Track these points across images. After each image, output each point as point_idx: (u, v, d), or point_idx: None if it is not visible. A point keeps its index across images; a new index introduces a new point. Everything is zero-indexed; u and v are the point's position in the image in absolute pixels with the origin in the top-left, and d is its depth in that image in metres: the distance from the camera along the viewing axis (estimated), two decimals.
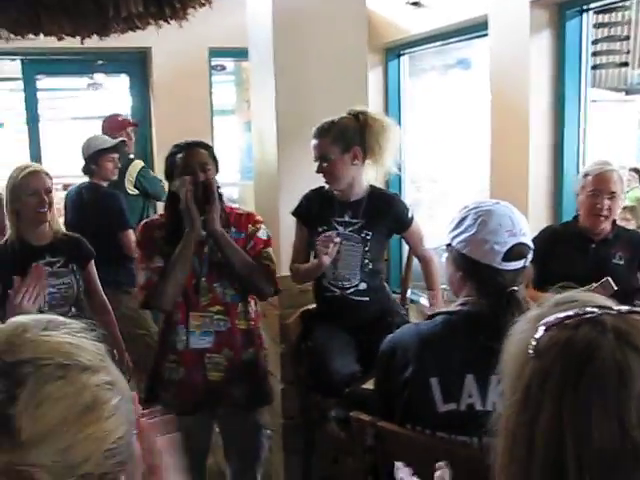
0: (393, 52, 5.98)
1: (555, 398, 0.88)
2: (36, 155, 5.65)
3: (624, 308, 0.93)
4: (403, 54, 5.98)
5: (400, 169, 5.94)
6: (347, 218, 3.15)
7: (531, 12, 4.04)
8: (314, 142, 3.08)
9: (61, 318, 0.83)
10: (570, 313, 0.92)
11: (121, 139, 4.59)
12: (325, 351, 3.09)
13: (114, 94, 6.86)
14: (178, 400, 2.90)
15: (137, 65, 5.76)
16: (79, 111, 8.33)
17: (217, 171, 2.90)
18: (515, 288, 1.81)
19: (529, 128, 4.12)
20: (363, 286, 3.14)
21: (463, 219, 1.90)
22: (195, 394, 2.89)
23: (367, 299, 3.16)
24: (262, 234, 2.97)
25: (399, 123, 5.94)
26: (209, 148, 2.92)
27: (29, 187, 3.06)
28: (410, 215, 3.24)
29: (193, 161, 2.81)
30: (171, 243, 2.82)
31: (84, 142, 4.45)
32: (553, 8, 4.05)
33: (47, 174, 3.17)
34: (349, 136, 3.04)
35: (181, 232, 2.79)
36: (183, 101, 5.63)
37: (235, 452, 3.13)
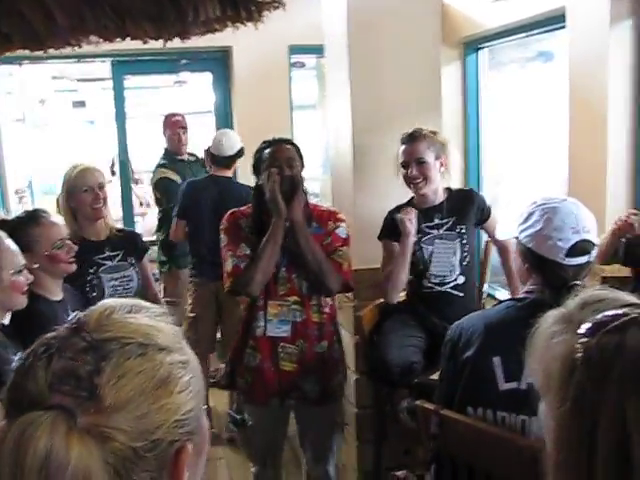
0: (471, 46, 5.95)
1: (616, 404, 0.87)
2: (124, 151, 5.90)
3: None
4: (482, 48, 5.95)
5: (479, 163, 6.02)
6: (437, 221, 3.31)
7: (611, 2, 3.97)
8: (406, 147, 3.25)
9: (144, 302, 0.94)
10: (607, 317, 0.92)
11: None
12: (385, 342, 3.19)
13: (199, 90, 7.08)
14: (253, 389, 3.02)
15: (219, 63, 5.94)
16: (165, 107, 8.63)
17: (302, 167, 3.03)
18: (577, 282, 1.85)
19: (607, 121, 4.04)
20: (462, 279, 3.30)
21: (530, 214, 1.96)
22: (268, 384, 2.99)
23: (462, 295, 3.28)
24: (341, 232, 3.06)
25: (477, 117, 5.99)
26: (295, 145, 3.06)
27: (83, 184, 3.20)
28: (489, 204, 3.44)
29: (280, 156, 2.94)
30: (256, 233, 2.94)
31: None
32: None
33: (98, 170, 3.32)
34: (438, 146, 3.30)
35: (265, 223, 2.92)
36: (263, 97, 5.77)
37: (309, 443, 3.23)
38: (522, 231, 1.98)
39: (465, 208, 3.40)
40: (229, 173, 4.95)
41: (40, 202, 6.85)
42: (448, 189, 3.47)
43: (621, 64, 4.01)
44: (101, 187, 3.23)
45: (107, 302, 0.92)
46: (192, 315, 4.89)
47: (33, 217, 2.63)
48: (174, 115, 5.48)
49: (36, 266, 2.39)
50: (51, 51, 3.51)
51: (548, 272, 1.92)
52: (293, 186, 2.90)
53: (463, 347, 1.92)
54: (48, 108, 9.04)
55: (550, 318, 1.02)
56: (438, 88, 3.86)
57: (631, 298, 0.98)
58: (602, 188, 4.08)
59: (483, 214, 3.47)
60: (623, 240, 3.56)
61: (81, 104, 10.19)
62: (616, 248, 3.51)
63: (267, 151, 2.98)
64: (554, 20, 4.56)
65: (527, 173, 6.14)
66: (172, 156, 5.36)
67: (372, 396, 3.47)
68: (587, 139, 4.25)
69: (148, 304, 0.94)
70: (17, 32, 3.20)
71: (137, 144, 7.53)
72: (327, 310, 3.07)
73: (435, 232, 3.34)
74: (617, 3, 3.96)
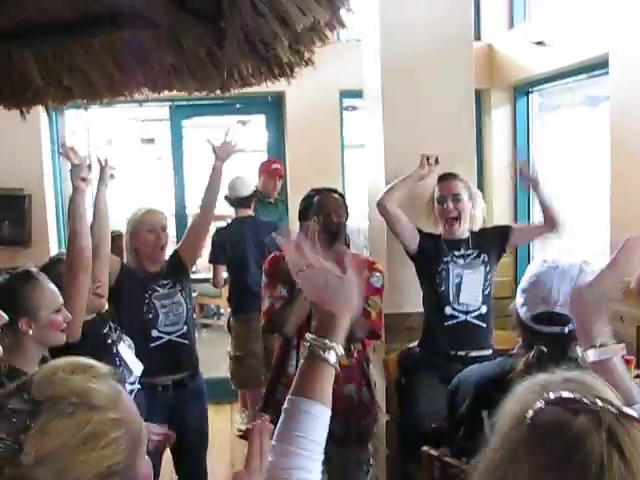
0: (521, 90, 6.03)
1: (534, 471, 0.93)
2: (181, 198, 6.15)
3: (625, 409, 0.96)
4: (532, 92, 6.02)
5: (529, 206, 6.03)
6: (463, 251, 3.41)
7: None
8: (444, 183, 3.48)
9: (91, 362, 1.06)
10: (573, 396, 0.97)
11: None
12: (413, 391, 3.25)
13: (258, 130, 7.31)
14: None
15: (273, 107, 6.14)
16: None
17: (347, 216, 3.16)
18: (543, 348, 1.89)
19: None
20: (484, 309, 3.36)
21: (527, 273, 2.03)
22: None
23: (485, 325, 3.36)
24: (375, 281, 3.15)
25: (528, 158, 6.01)
26: (341, 194, 3.19)
27: (147, 223, 3.38)
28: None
29: (327, 204, 3.08)
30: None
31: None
32: None
33: (162, 213, 3.51)
34: (470, 190, 3.56)
35: None
36: (315, 140, 5.94)
37: None
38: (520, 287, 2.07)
39: (487, 240, 3.58)
40: (251, 212, 5.21)
41: None
42: (471, 230, 3.61)
43: None
44: (164, 229, 3.41)
45: (55, 362, 1.05)
46: (238, 354, 5.04)
47: (32, 278, 2.60)
48: (272, 162, 5.83)
49: (30, 333, 2.25)
50: None
51: (524, 333, 2.01)
52: (336, 234, 3.04)
53: (460, 399, 2.00)
54: (116, 148, 9.45)
55: (533, 381, 1.07)
56: (472, 138, 3.95)
57: (610, 394, 1.01)
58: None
59: (502, 232, 3.67)
60: None
61: (150, 141, 10.58)
62: None
63: (316, 198, 3.13)
64: (598, 66, 4.61)
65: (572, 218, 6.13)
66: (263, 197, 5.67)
67: (399, 440, 3.53)
68: (629, 186, 4.26)
69: (96, 364, 1.05)
70: (77, 85, 3.46)
71: (198, 181, 7.82)
72: (355, 355, 3.15)
73: (462, 261, 3.46)
74: None
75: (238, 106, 5.90)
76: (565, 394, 0.97)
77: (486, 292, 3.47)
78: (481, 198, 3.71)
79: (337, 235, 3.04)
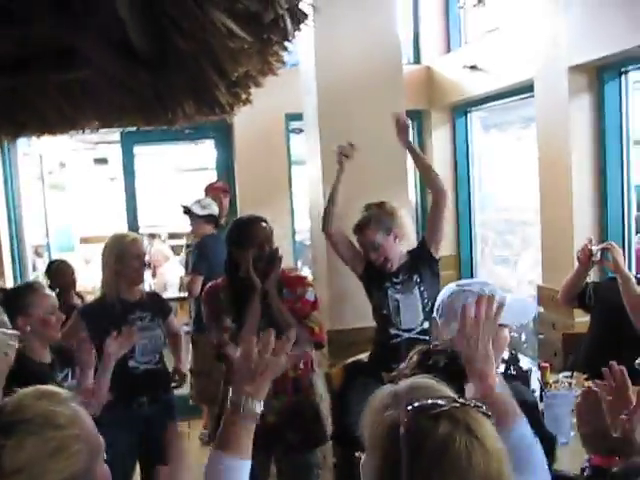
0: (460, 110, 6.33)
1: (417, 471, 1.11)
2: (132, 211, 6.31)
3: (466, 401, 1.19)
4: (469, 111, 6.33)
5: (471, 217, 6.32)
6: (400, 277, 3.62)
7: (570, 76, 4.33)
8: (358, 237, 3.62)
9: (54, 389, 1.30)
10: (431, 403, 1.16)
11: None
12: (347, 405, 3.46)
13: (204, 149, 7.49)
14: None
15: (221, 132, 6.34)
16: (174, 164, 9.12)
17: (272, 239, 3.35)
18: None
19: (572, 185, 4.37)
20: (426, 324, 3.54)
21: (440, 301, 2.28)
22: (254, 437, 3.26)
23: (429, 339, 3.53)
24: (309, 296, 3.34)
25: (467, 175, 6.32)
26: (268, 222, 3.34)
27: (134, 252, 3.53)
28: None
29: (258, 235, 3.23)
30: (234, 302, 3.24)
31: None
32: (591, 72, 4.32)
33: (143, 240, 3.70)
34: (387, 221, 3.60)
35: (241, 293, 3.21)
36: (264, 162, 6.15)
37: None
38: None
39: (416, 258, 3.70)
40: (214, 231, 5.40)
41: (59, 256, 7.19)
42: (408, 252, 3.74)
43: (582, 131, 4.35)
44: (145, 255, 3.62)
45: (24, 390, 1.28)
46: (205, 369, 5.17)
47: (30, 287, 2.99)
48: (215, 183, 5.98)
49: (29, 329, 2.69)
50: None
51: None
52: (270, 262, 3.21)
53: None
54: (68, 170, 9.53)
55: (383, 393, 1.27)
56: (404, 159, 4.18)
57: (448, 391, 1.23)
58: (570, 234, 4.41)
59: (421, 244, 3.78)
60: (590, 282, 3.79)
61: (103, 161, 10.65)
62: (582, 289, 3.74)
63: (245, 228, 3.29)
64: (526, 89, 4.93)
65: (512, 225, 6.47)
66: None
67: (337, 455, 3.71)
68: (554, 198, 4.58)
69: (59, 390, 1.29)
70: (31, 121, 3.63)
71: (150, 201, 8.00)
72: (302, 366, 3.36)
73: (399, 287, 3.63)
74: (576, 77, 4.32)
75: (187, 132, 6.07)
76: (421, 403, 1.16)
77: (427, 309, 3.58)
78: (407, 213, 3.83)
79: (272, 262, 3.20)
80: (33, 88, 3.30)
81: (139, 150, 6.85)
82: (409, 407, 1.17)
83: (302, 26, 1.97)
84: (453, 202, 6.48)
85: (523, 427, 1.51)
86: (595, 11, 4.02)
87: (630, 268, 4.11)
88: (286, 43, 2.06)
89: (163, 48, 2.33)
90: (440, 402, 1.17)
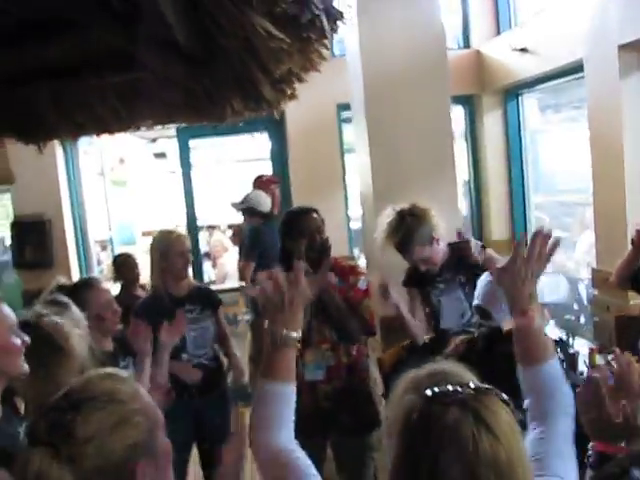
0: (511, 93, 6.30)
1: (432, 457, 1.15)
2: (190, 203, 6.48)
3: (481, 386, 1.21)
4: (521, 94, 6.29)
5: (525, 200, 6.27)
6: (440, 278, 3.57)
7: (620, 55, 4.28)
8: (404, 255, 3.51)
9: (117, 371, 1.46)
10: (440, 390, 1.20)
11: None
12: (394, 383, 3.50)
13: (260, 141, 7.62)
14: (296, 428, 3.39)
15: (274, 124, 6.45)
16: (230, 154, 9.28)
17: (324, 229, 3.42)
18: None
19: (624, 166, 4.33)
20: (475, 318, 3.53)
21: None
22: (308, 421, 3.34)
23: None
24: (362, 284, 3.40)
25: (520, 158, 6.29)
26: (319, 213, 3.41)
27: (177, 249, 3.61)
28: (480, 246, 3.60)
29: (309, 225, 3.30)
30: None
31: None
32: None
33: (186, 236, 3.81)
34: (427, 231, 3.46)
35: None
36: (317, 152, 6.24)
37: (344, 471, 3.57)
38: None
39: (462, 259, 3.52)
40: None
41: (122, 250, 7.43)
42: (449, 245, 3.59)
43: (635, 109, 4.30)
44: (189, 251, 3.70)
45: (90, 372, 1.46)
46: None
47: (86, 283, 3.10)
48: (263, 176, 5.98)
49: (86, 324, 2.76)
50: None
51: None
52: (322, 252, 3.26)
53: None
54: (128, 165, 9.78)
55: (406, 377, 1.30)
56: (451, 150, 4.20)
57: (469, 377, 1.25)
58: (623, 216, 4.38)
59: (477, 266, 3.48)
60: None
61: (162, 155, 10.89)
62: (636, 271, 3.68)
63: (297, 219, 3.38)
64: (577, 70, 4.88)
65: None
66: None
67: None
68: (607, 173, 4.55)
69: (119, 371, 1.43)
70: (88, 122, 3.79)
71: (208, 193, 8.17)
72: (354, 353, 3.43)
73: (442, 286, 3.56)
74: (626, 55, 4.27)
75: (241, 124, 6.19)
76: (437, 390, 1.20)
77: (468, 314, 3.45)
78: (432, 215, 3.59)
79: (324, 252, 3.26)
80: (90, 91, 3.44)
81: (195, 143, 7.02)
82: (425, 393, 1.21)
83: (339, 23, 2.04)
84: (506, 185, 6.48)
85: (556, 365, 1.58)
86: None
87: None
88: (326, 40, 2.13)
89: (209, 47, 2.42)
90: (455, 389, 1.21)
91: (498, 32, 6.42)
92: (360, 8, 4.14)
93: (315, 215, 3.35)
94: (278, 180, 6.14)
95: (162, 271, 3.65)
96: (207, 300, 3.78)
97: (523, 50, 5.50)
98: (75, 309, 2.56)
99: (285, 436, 1.59)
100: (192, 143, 6.75)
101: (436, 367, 1.31)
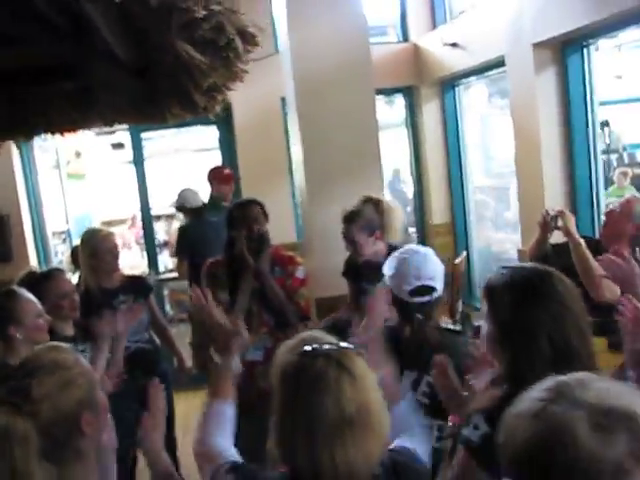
0: (447, 84, 6.66)
1: (299, 398, 1.46)
2: (144, 193, 6.75)
3: (343, 344, 1.54)
4: (458, 85, 6.65)
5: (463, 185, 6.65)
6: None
7: (534, 52, 4.66)
8: (343, 226, 3.77)
9: (61, 344, 1.82)
10: (311, 348, 1.53)
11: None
12: None
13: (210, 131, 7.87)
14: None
15: (223, 116, 6.67)
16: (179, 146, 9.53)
17: (266, 222, 3.72)
18: (419, 316, 2.51)
19: (541, 152, 4.73)
20: None
21: (391, 262, 2.63)
22: (246, 398, 3.62)
23: None
24: (299, 274, 3.71)
25: (458, 145, 6.66)
26: (261, 204, 3.70)
27: (105, 247, 3.86)
28: None
29: (250, 216, 3.57)
30: (230, 278, 3.63)
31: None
32: (555, 47, 4.65)
33: (114, 233, 4.05)
34: (374, 219, 3.77)
35: (236, 270, 3.60)
36: (262, 143, 6.52)
37: None
38: (387, 272, 2.65)
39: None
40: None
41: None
42: (390, 246, 3.66)
43: (549, 102, 4.70)
44: (117, 247, 3.95)
45: (39, 346, 1.82)
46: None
47: (46, 274, 3.31)
48: (223, 169, 6.13)
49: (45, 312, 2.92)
50: None
51: (400, 307, 2.56)
52: (261, 242, 3.55)
53: None
54: (86, 158, 9.96)
55: (284, 346, 1.63)
56: (376, 141, 4.55)
57: (333, 339, 1.58)
58: (542, 200, 4.74)
59: None
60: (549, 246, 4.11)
61: (120, 146, 11.05)
62: (545, 252, 4.05)
63: (238, 210, 3.67)
64: (500, 65, 5.26)
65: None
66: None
67: None
68: (527, 160, 4.96)
69: (62, 344, 1.79)
70: (41, 124, 4.05)
71: (164, 183, 8.44)
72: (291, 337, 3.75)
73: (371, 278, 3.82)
74: (539, 52, 4.65)
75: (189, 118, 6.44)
76: (305, 349, 1.54)
77: None
78: (392, 216, 3.92)
79: (262, 242, 3.56)
80: (41, 96, 3.71)
81: (149, 134, 7.26)
82: (297, 351, 1.54)
83: (255, 43, 2.36)
84: (445, 171, 6.86)
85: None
86: None
87: (593, 230, 4.49)
88: (242, 59, 2.45)
89: (145, 61, 2.73)
90: (322, 346, 1.53)
91: (434, 26, 6.76)
92: (290, 7, 4.46)
93: (255, 207, 3.62)
94: (226, 176, 6.35)
95: (92, 268, 3.88)
96: (139, 289, 4.03)
97: (454, 45, 5.86)
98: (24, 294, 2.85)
99: (226, 444, 1.85)
100: (146, 134, 6.98)
101: (307, 334, 1.66)
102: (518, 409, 1.13)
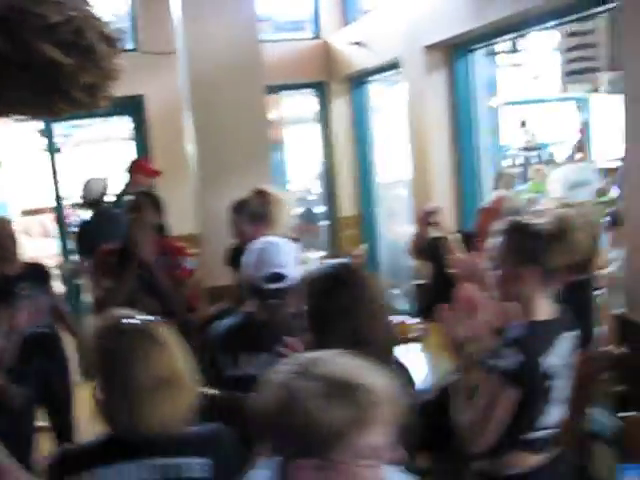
0: (356, 81, 6.86)
1: (118, 369, 1.66)
2: (55, 182, 6.78)
3: (151, 318, 1.78)
4: (366, 82, 6.86)
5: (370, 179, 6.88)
6: None
7: (426, 54, 4.91)
8: (231, 215, 3.96)
9: None
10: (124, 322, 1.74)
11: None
12: None
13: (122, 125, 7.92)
14: None
15: (134, 107, 6.77)
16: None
17: (159, 211, 3.86)
18: (272, 301, 2.71)
19: (431, 151, 4.99)
20: None
21: (249, 252, 2.83)
22: None
23: None
24: (188, 264, 3.90)
25: (366, 139, 6.88)
26: (153, 196, 3.84)
27: (5, 233, 3.91)
28: None
29: (139, 207, 3.76)
30: (117, 266, 3.78)
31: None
32: (445, 50, 4.90)
33: (9, 221, 4.13)
34: (260, 212, 3.89)
35: (124, 258, 3.75)
36: (172, 135, 6.58)
37: None
38: (245, 264, 2.80)
39: None
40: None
41: None
42: None
43: (439, 101, 4.96)
44: (14, 235, 3.96)
45: None
46: None
47: None
48: (146, 162, 6.22)
49: None
50: None
51: (256, 293, 2.73)
52: (142, 233, 3.66)
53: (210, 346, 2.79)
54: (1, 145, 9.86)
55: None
56: (266, 136, 4.77)
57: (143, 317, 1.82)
58: (431, 191, 5.06)
59: None
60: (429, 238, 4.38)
61: (39, 133, 10.94)
62: (424, 245, 4.32)
63: (133, 201, 3.82)
64: (397, 66, 5.48)
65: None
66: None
67: None
68: (420, 157, 5.21)
69: None
70: None
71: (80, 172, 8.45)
72: (179, 325, 3.91)
73: None
74: (430, 55, 4.90)
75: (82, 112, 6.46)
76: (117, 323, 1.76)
77: None
78: (288, 202, 4.10)
79: (144, 233, 3.69)
80: None
81: (67, 124, 7.27)
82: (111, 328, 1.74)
83: (119, 45, 2.50)
84: (354, 165, 7.08)
85: None
86: None
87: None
88: (108, 60, 2.59)
89: (21, 59, 2.84)
90: (132, 321, 1.75)
91: (346, 24, 6.94)
92: (185, 6, 4.61)
93: (152, 196, 3.84)
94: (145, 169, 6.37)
95: None
96: (38, 276, 4.10)
97: (358, 44, 6.07)
98: None
99: None
100: (64, 124, 7.00)
101: (118, 311, 1.84)
102: (271, 378, 1.33)
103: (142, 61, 6.09)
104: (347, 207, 7.20)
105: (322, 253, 6.95)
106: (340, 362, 1.35)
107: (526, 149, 11.98)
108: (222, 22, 4.56)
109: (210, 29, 4.56)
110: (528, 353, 2.16)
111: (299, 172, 10.30)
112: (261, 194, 4.03)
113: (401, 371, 2.14)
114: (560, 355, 2.28)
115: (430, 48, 4.88)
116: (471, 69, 4.89)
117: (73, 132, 9.28)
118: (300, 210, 9.25)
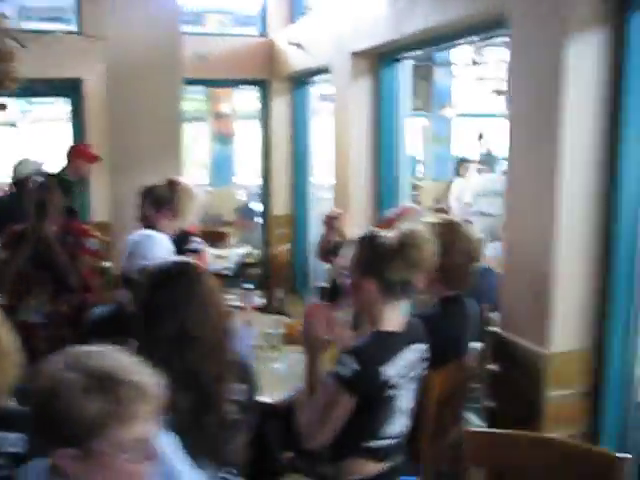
0: (297, 81, 6.92)
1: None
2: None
3: None
4: (307, 82, 6.91)
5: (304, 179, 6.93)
6: None
7: (353, 61, 4.97)
8: (138, 201, 3.95)
9: None
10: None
11: None
12: None
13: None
14: None
15: (72, 89, 6.74)
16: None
17: (69, 194, 3.91)
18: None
19: (350, 156, 5.07)
20: None
21: (127, 244, 2.89)
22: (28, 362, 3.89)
23: None
24: (92, 245, 3.98)
25: (303, 139, 6.93)
26: (62, 179, 3.90)
27: None
28: None
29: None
30: (17, 241, 3.83)
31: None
32: (371, 58, 4.96)
33: None
34: (162, 199, 3.91)
35: (24, 234, 3.81)
36: (105, 118, 6.59)
37: None
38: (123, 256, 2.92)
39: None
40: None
41: None
42: (182, 231, 3.96)
43: (363, 109, 5.03)
44: None
45: None
46: None
47: None
48: (87, 147, 5.97)
49: None
50: None
51: (130, 285, 2.73)
52: (44, 212, 3.80)
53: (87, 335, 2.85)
54: None
55: None
56: (178, 131, 4.82)
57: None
58: (348, 196, 5.15)
59: None
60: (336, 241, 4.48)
61: (1, 107, 10.81)
62: (330, 247, 4.40)
63: (39, 181, 3.90)
64: (328, 70, 5.55)
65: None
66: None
67: None
68: (341, 158, 5.30)
69: None
70: None
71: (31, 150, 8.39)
72: (75, 302, 3.97)
73: None
74: (356, 61, 4.97)
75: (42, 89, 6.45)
76: None
77: None
78: (196, 194, 4.10)
79: (45, 211, 3.82)
80: None
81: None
82: None
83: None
84: (290, 165, 7.14)
85: None
86: (372, 2, 4.59)
87: None
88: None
89: None
90: None
91: (292, 23, 6.98)
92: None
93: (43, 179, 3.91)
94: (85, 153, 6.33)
95: None
96: None
97: (297, 45, 6.12)
98: None
99: None
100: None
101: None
102: (42, 368, 1.38)
103: (83, 45, 6.06)
104: (280, 206, 7.25)
105: (250, 249, 7.02)
106: (112, 357, 1.40)
107: (483, 162, 12.15)
108: (143, 11, 4.59)
109: (132, 17, 4.59)
110: (365, 362, 2.23)
111: (245, 167, 10.35)
112: (171, 183, 4.08)
113: (240, 369, 2.19)
114: (404, 366, 2.36)
115: (356, 55, 4.94)
116: (396, 78, 4.95)
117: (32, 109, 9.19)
118: (239, 205, 9.33)
